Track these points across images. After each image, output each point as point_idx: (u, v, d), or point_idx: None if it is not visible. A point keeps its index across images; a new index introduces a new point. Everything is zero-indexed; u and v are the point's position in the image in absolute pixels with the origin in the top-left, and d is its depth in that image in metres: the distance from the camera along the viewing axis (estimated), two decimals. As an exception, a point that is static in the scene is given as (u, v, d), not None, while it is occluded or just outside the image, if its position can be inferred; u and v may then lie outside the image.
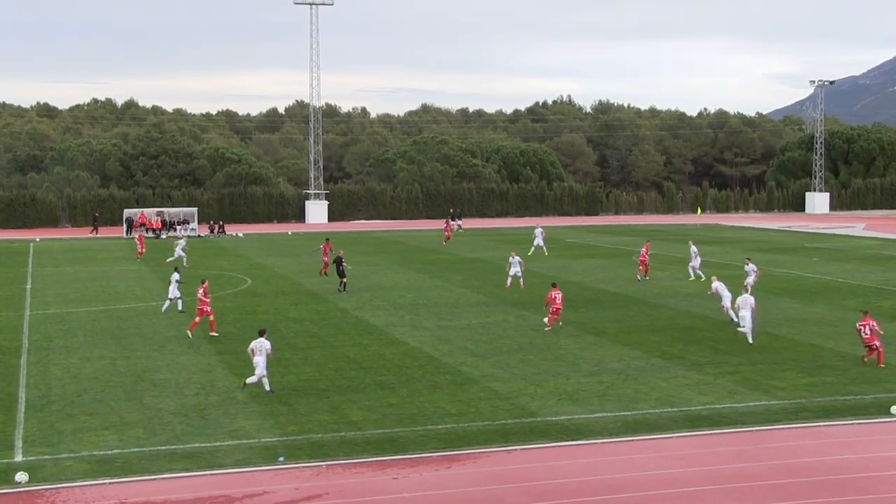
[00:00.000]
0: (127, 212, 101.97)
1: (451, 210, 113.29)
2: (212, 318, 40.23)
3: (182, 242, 71.19)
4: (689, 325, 41.67)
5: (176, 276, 46.57)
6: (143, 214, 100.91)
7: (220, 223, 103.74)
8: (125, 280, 59.75)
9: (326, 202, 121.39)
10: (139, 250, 74.48)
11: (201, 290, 40.48)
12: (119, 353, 36.54)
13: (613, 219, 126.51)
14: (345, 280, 53.35)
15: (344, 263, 53.91)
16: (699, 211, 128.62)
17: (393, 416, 27.25)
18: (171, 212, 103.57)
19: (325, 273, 59.24)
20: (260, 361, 29.72)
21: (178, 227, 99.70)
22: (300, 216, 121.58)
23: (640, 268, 58.53)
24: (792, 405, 28.34)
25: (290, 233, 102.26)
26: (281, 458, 23.54)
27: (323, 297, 50.83)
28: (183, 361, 34.86)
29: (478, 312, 45.72)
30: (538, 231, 75.85)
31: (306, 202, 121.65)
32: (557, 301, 41.28)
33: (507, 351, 36.37)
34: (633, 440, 25.07)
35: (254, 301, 50.02)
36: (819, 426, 26.22)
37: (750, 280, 49.65)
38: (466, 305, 47.96)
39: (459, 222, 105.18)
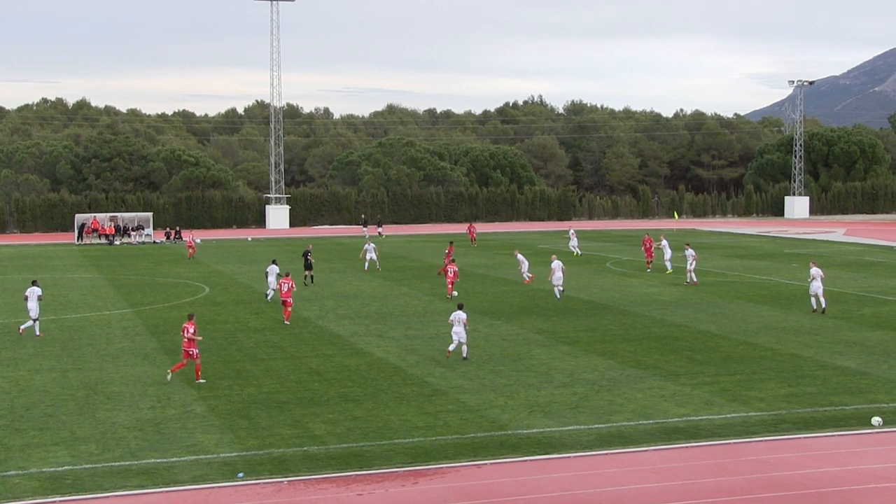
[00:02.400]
0: (79, 217, 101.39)
1: (363, 216, 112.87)
2: (289, 309, 45.20)
3: (369, 246, 69.77)
4: (665, 335, 41.82)
5: (275, 268, 52.57)
6: (95, 220, 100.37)
7: (177, 228, 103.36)
8: (77, 289, 59.43)
9: (288, 206, 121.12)
10: (190, 253, 79.32)
11: (286, 284, 45.20)
12: (70, 364, 36.32)
13: (587, 224, 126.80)
14: (311, 273, 59.45)
15: (310, 257, 59.73)
16: (676, 216, 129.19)
17: (358, 430, 27.21)
18: (125, 217, 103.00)
19: (443, 273, 62.07)
20: (459, 331, 36.21)
21: (133, 233, 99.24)
22: (260, 221, 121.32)
23: (648, 259, 67.22)
24: (771, 417, 28.50)
25: (249, 238, 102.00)
26: (241, 474, 23.47)
27: (284, 305, 50.67)
28: (138, 373, 34.69)
29: (446, 321, 45.49)
30: (572, 232, 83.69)
31: (267, 206, 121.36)
32: (449, 273, 53.97)
33: (476, 361, 36.37)
34: (607, 454, 25.13)
35: (212, 310, 49.84)
36: (799, 438, 26.37)
37: (690, 265, 58.43)
38: (435, 314, 47.96)
39: (380, 229, 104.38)
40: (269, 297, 51.88)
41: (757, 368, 34.89)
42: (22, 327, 42.95)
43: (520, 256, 61.79)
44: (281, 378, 33.85)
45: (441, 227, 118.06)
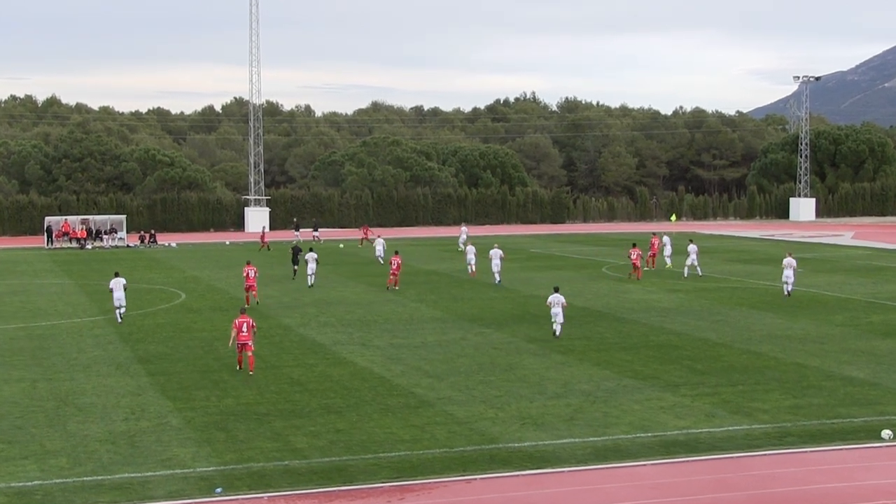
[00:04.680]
0: (48, 219, 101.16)
1: (295, 219, 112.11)
2: (255, 292, 53.67)
3: (378, 240, 79.55)
4: (663, 343, 41.89)
5: (314, 255, 62.13)
6: (66, 222, 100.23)
7: (152, 232, 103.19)
8: (47, 295, 59.32)
9: (268, 209, 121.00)
10: (262, 244, 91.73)
11: (252, 271, 53.81)
12: (40, 374, 36.26)
13: (581, 227, 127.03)
14: (296, 268, 65.83)
15: (301, 254, 65.39)
16: (674, 218, 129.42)
17: (340, 443, 27.22)
18: (98, 219, 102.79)
19: (638, 276, 65.13)
20: (557, 312, 42.62)
21: (105, 237, 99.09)
22: (239, 224, 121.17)
23: (650, 257, 70.99)
24: (775, 429, 28.56)
25: (227, 242, 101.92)
26: (218, 490, 23.47)
27: (264, 313, 50.71)
28: (110, 384, 34.67)
29: (433, 329, 45.78)
30: (464, 229, 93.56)
31: (246, 209, 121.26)
32: (393, 266, 60.09)
33: (465, 371, 36.42)
34: (603, 468, 25.17)
35: (188, 317, 49.83)
36: (804, 452, 26.44)
37: (693, 259, 65.19)
38: (421, 321, 48.00)
39: (316, 234, 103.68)
40: (309, 284, 61.39)
41: (760, 379, 34.96)
42: (119, 318, 47.84)
43: (470, 248, 68.70)
44: (260, 389, 33.85)
45: (428, 230, 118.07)
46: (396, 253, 62.86)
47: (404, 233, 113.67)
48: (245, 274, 53.84)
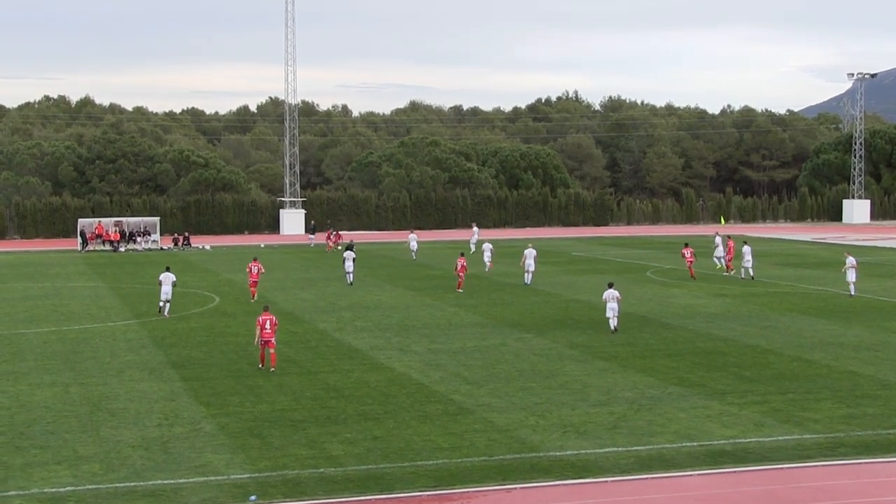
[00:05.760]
0: (81, 222, 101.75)
1: (313, 222, 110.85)
2: (255, 288, 57.56)
3: (412, 236, 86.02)
4: (710, 349, 41.70)
5: (352, 254, 65.64)
6: (99, 225, 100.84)
7: (186, 234, 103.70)
8: (80, 298, 59.72)
9: (304, 211, 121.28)
10: (329, 244, 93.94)
11: (256, 267, 57.84)
12: (73, 379, 36.52)
13: (625, 229, 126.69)
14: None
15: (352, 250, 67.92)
16: (723, 221, 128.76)
17: (378, 451, 27.26)
18: (131, 222, 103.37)
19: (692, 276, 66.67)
20: (614, 307, 44.96)
21: (139, 239, 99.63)
22: (274, 226, 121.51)
23: (729, 263, 70.11)
24: (827, 440, 28.37)
25: (262, 245, 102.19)
26: (253, 497, 23.55)
27: (299, 317, 50.88)
28: (144, 389, 34.86)
29: (473, 334, 45.75)
30: (475, 229, 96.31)
31: (281, 211, 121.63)
32: (458, 267, 60.98)
33: (505, 378, 36.39)
34: (647, 478, 25.10)
35: (222, 321, 50.03)
36: (858, 463, 26.25)
37: (748, 261, 65.60)
38: (460, 326, 47.99)
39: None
40: (349, 281, 64.91)
41: (812, 387, 34.73)
42: (166, 312, 51.37)
43: (486, 245, 73.64)
44: (295, 394, 33.95)
45: (467, 232, 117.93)
46: (462, 255, 63.99)
47: (443, 235, 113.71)
48: (248, 269, 58.12)
